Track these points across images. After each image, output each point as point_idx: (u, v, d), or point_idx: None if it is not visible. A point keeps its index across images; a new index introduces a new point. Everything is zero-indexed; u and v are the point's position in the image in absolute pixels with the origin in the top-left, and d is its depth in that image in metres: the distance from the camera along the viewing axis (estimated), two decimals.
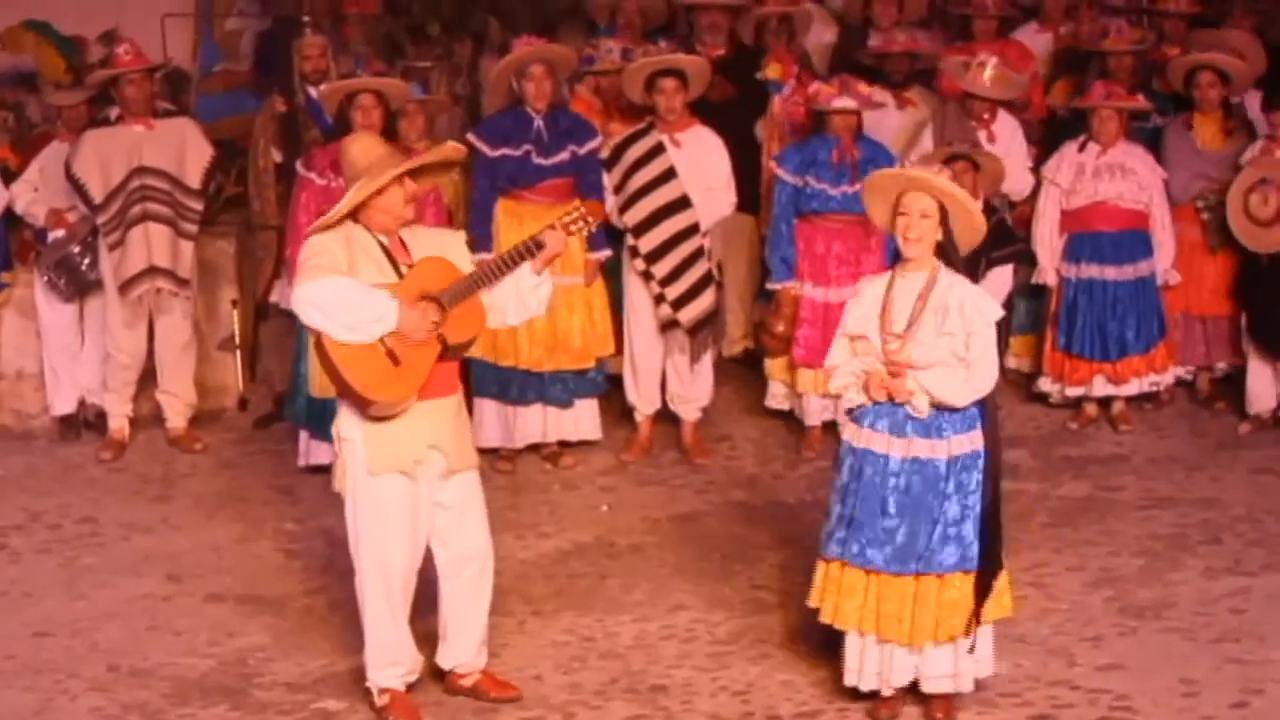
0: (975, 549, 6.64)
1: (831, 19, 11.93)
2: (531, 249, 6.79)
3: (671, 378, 9.87)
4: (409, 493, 6.78)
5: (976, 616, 6.68)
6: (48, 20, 11.66)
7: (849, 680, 6.88)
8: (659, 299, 9.62)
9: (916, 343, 6.57)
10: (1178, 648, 7.44)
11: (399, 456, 6.73)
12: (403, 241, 6.79)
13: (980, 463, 6.64)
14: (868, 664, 6.82)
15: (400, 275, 6.70)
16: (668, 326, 9.68)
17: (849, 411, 6.81)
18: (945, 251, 6.64)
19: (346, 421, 6.77)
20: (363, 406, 6.67)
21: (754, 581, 8.22)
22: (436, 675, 7.18)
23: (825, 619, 6.85)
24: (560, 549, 8.69)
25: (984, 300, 6.68)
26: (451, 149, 7.10)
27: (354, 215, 6.72)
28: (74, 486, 9.71)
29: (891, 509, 6.64)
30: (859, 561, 6.70)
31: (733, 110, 10.30)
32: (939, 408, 6.59)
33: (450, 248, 6.91)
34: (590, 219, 6.97)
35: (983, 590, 6.67)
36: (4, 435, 10.51)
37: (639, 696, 7.14)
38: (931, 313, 6.57)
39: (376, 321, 6.57)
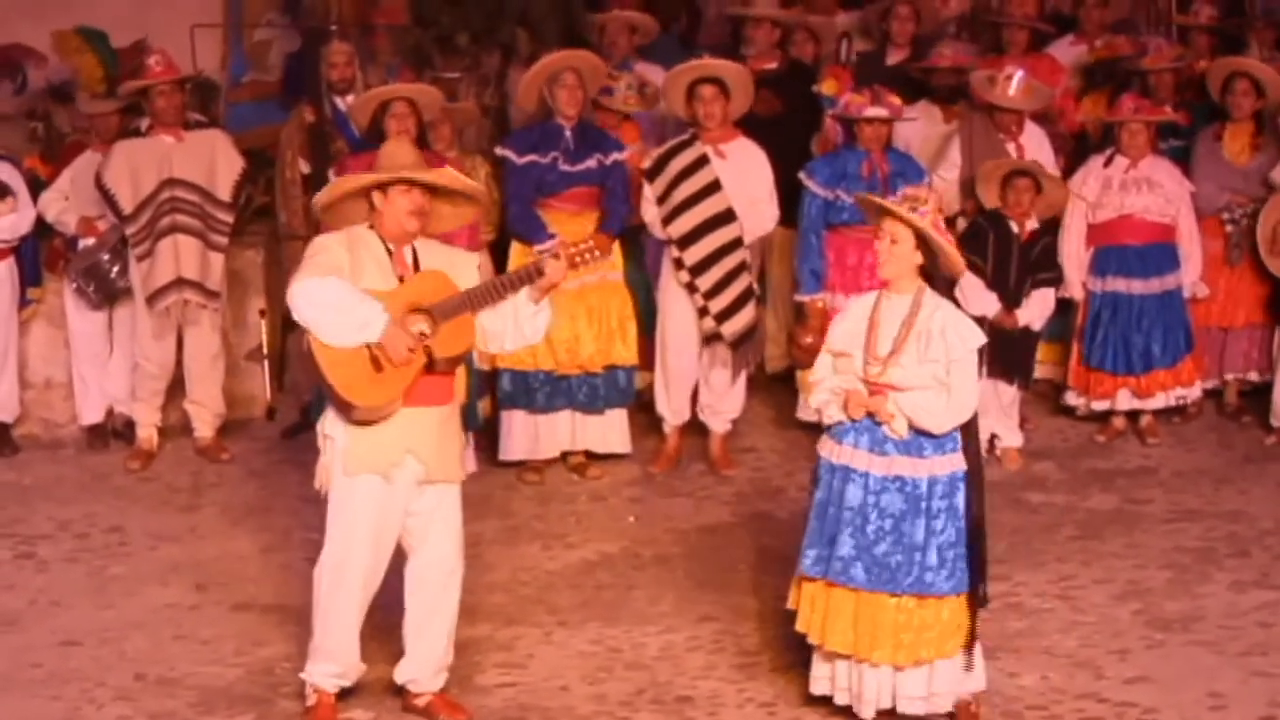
0: (967, 571, 6.65)
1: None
2: (531, 275, 6.78)
3: (704, 390, 9.85)
4: (382, 496, 6.81)
5: (972, 635, 6.69)
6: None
7: (817, 689, 6.87)
8: (703, 312, 9.57)
9: (899, 367, 6.55)
10: (1205, 661, 7.43)
11: (376, 459, 6.77)
12: (415, 253, 6.81)
13: (964, 484, 6.63)
14: (839, 680, 6.82)
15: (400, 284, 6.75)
16: (710, 340, 9.65)
17: (828, 428, 6.79)
18: (929, 275, 6.63)
19: (331, 421, 6.85)
20: (345, 410, 6.73)
21: (780, 593, 8.16)
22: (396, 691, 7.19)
23: (814, 640, 6.81)
24: (587, 560, 8.70)
25: (967, 327, 6.61)
26: (475, 186, 7.13)
27: (368, 220, 6.79)
28: (102, 496, 9.72)
29: (873, 526, 6.62)
30: (843, 579, 6.67)
31: (780, 125, 10.27)
32: (917, 430, 6.60)
33: (461, 267, 6.91)
34: (599, 252, 7.02)
35: (975, 609, 6.67)
36: (32, 444, 10.53)
37: (665, 707, 7.14)
38: (915, 338, 6.56)
39: (361, 328, 6.60)
